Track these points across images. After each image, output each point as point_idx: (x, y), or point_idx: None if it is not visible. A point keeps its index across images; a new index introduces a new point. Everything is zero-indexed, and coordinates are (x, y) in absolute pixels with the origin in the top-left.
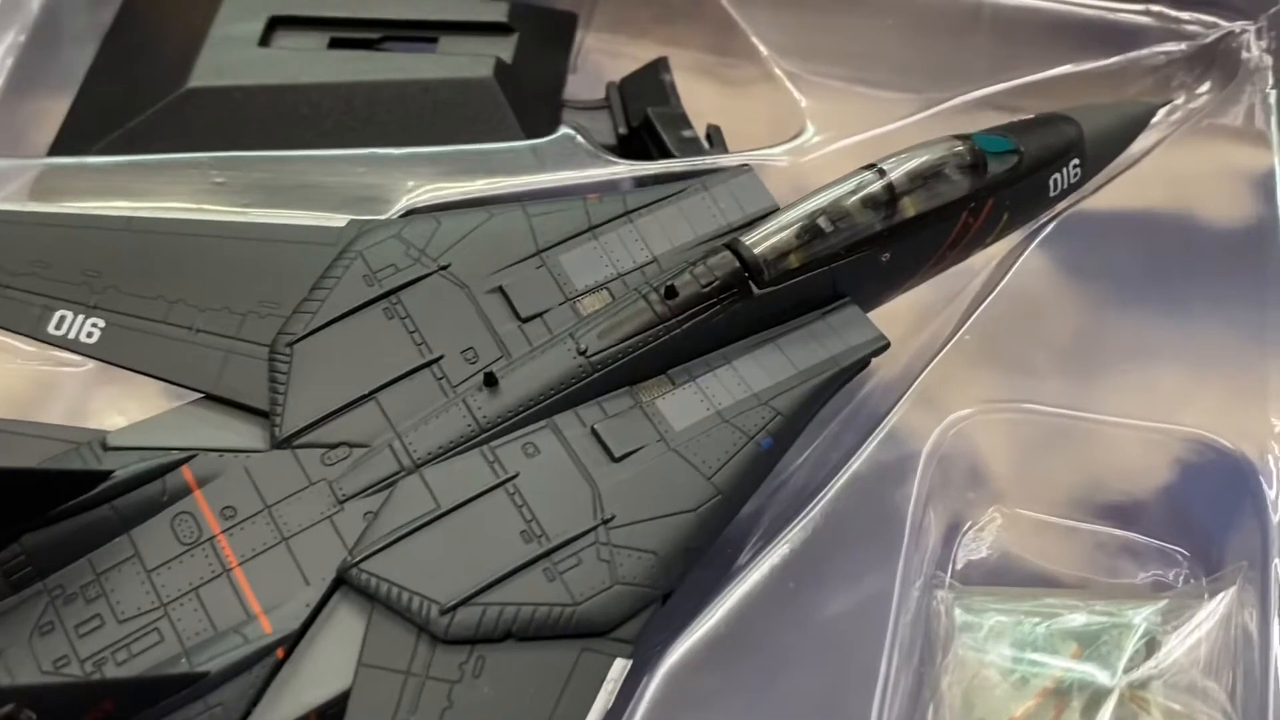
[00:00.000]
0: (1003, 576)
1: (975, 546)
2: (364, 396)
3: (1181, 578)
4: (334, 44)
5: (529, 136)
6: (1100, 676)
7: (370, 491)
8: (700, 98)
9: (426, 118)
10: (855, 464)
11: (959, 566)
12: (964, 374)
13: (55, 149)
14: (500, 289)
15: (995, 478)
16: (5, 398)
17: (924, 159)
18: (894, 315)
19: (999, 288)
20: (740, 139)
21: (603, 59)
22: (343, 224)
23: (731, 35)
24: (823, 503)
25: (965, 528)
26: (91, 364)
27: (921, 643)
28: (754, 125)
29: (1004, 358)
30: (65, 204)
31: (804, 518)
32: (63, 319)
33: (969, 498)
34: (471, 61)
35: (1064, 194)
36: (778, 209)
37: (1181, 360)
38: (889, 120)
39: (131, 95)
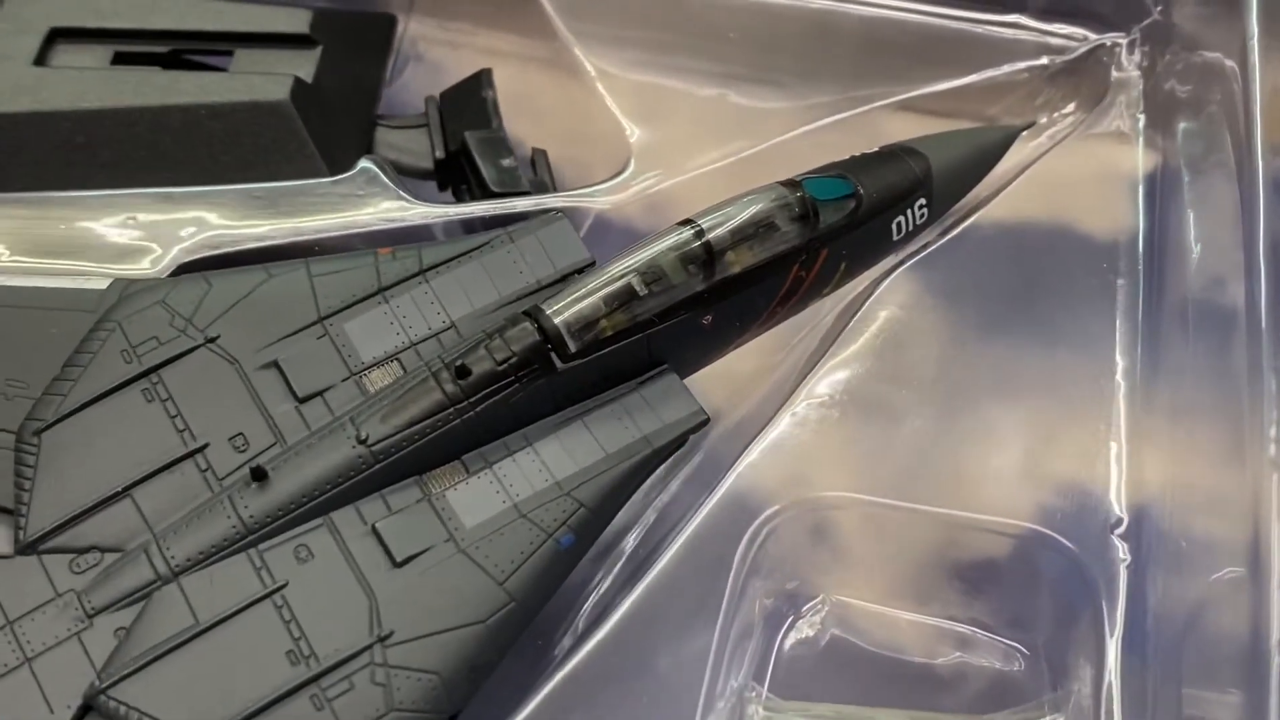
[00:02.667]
0: (829, 671)
1: (800, 641)
2: (118, 493)
3: (1020, 674)
4: (119, 59)
5: (334, 160)
6: None
7: (123, 604)
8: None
9: (217, 146)
10: (670, 551)
11: (781, 660)
12: (805, 426)
13: None
14: (275, 364)
15: (823, 565)
16: None
17: (747, 212)
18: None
19: (838, 340)
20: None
21: (439, 51)
22: (104, 285)
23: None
24: (635, 594)
25: (789, 619)
26: None
27: None
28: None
29: (861, 399)
30: None
31: (614, 612)
32: None
33: (790, 587)
34: (266, 82)
35: (909, 236)
36: (592, 263)
37: (1045, 396)
38: (729, 149)
39: None
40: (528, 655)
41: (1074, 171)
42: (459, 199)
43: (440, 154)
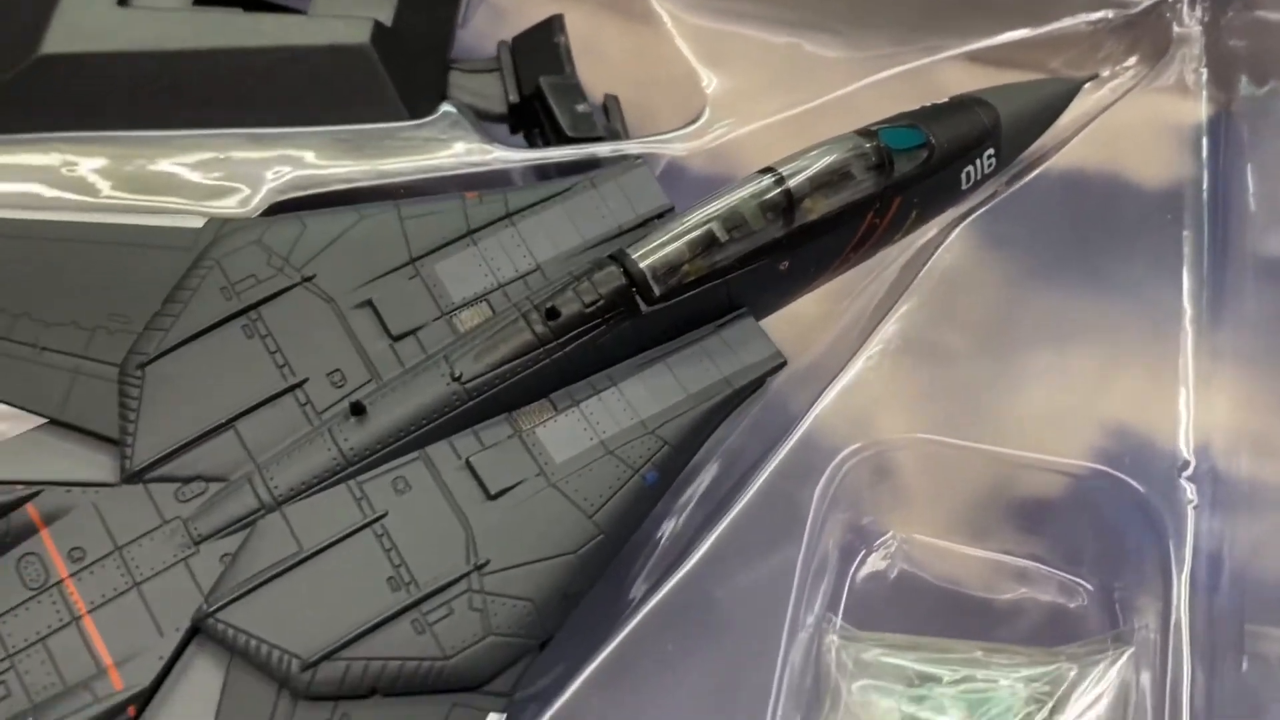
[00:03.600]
0: (900, 604)
1: (872, 572)
2: (221, 425)
3: (1083, 609)
4: (200, 0)
5: (411, 105)
6: None
7: (227, 531)
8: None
9: (297, 89)
10: (753, 488)
11: (855, 594)
12: (873, 370)
13: None
14: (370, 303)
15: (894, 501)
16: None
17: (826, 160)
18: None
19: (917, 281)
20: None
21: None
22: (200, 224)
23: None
24: (719, 529)
25: (861, 553)
26: None
27: (810, 689)
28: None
29: (917, 344)
30: None
31: (699, 546)
32: None
33: (865, 522)
34: (346, 25)
35: (977, 185)
36: (672, 209)
37: (1099, 342)
38: (796, 97)
39: None
40: (616, 590)
41: (1135, 124)
42: (531, 143)
43: (514, 98)
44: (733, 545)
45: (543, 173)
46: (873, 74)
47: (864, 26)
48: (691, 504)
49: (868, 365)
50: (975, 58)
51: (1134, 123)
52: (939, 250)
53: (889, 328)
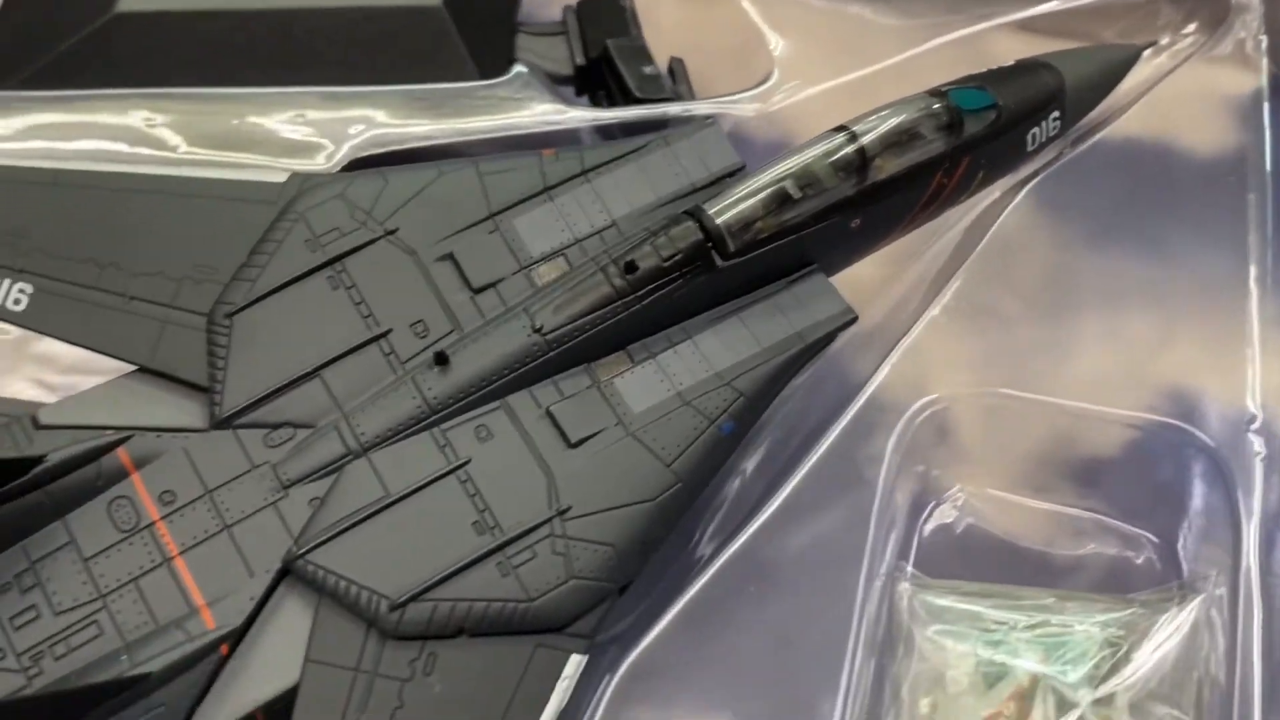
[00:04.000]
0: (967, 555)
1: (940, 526)
2: (308, 374)
3: (1149, 561)
4: None
5: (481, 66)
6: (1066, 687)
7: (316, 476)
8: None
9: (371, 49)
10: (823, 445)
11: (923, 546)
12: (935, 331)
13: None
14: (451, 256)
15: (961, 456)
16: None
17: (898, 119)
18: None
19: (982, 245)
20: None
21: None
22: (282, 178)
23: None
24: (789, 485)
25: (930, 506)
26: (16, 331)
27: (883, 636)
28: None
29: (975, 307)
30: None
31: (771, 501)
32: None
33: (933, 475)
34: None
35: (1042, 147)
36: (743, 167)
37: (1156, 304)
38: (861, 60)
39: (53, 22)
40: (692, 541)
41: (1191, 92)
42: (596, 106)
43: (580, 61)
44: (807, 498)
45: (607, 134)
46: (927, 41)
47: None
48: (760, 460)
49: (928, 327)
50: (1026, 26)
51: (1190, 90)
52: (1004, 214)
53: (949, 291)
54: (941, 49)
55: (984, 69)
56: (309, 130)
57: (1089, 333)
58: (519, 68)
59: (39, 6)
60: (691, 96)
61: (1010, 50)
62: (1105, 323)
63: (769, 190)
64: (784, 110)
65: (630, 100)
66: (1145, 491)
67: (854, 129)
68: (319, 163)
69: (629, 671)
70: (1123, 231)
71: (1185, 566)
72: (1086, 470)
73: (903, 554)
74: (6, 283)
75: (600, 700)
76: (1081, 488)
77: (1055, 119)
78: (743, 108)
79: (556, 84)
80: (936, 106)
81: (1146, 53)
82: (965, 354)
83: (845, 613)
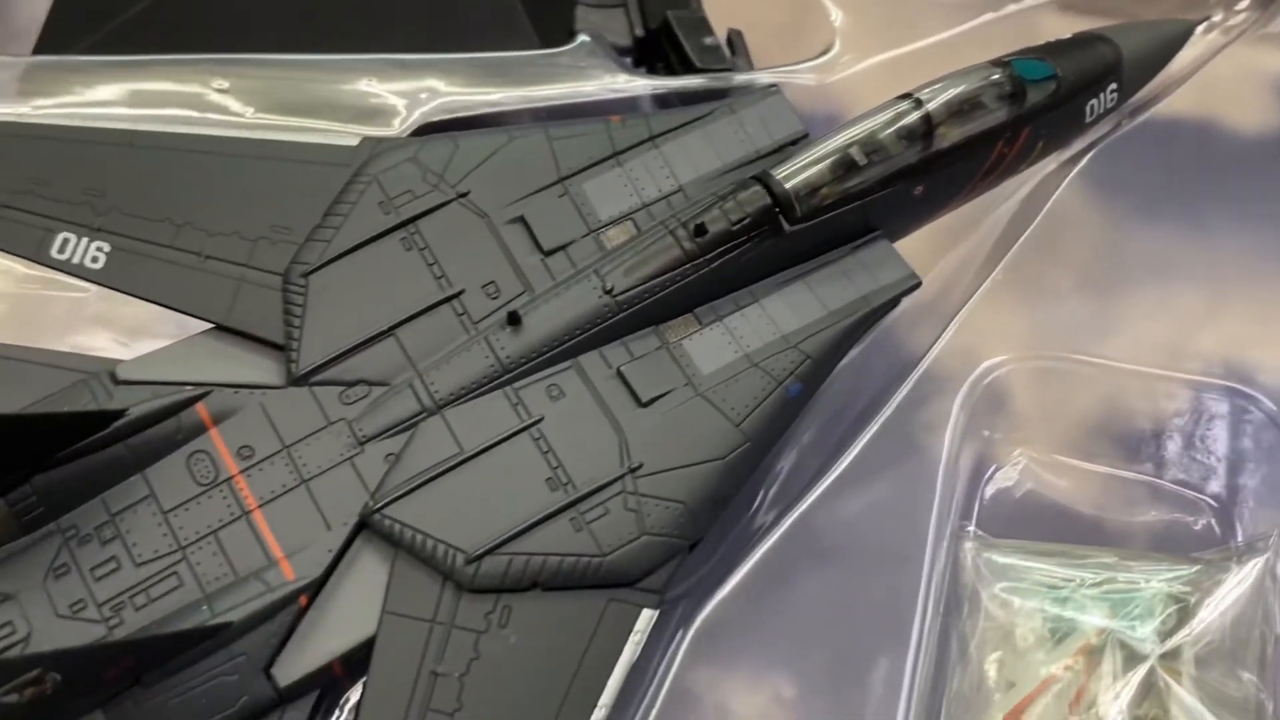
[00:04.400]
0: (1028, 518)
1: (1001, 488)
2: (383, 332)
3: (1206, 525)
4: None
5: (543, 35)
6: (1134, 642)
7: (391, 433)
8: None
9: (437, 18)
10: (887, 410)
11: (985, 509)
12: (989, 302)
13: (41, 46)
14: (522, 219)
15: (1021, 421)
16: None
17: (963, 88)
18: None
19: (1037, 220)
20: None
21: None
22: (354, 142)
23: None
24: (850, 454)
25: (991, 470)
26: (94, 289)
27: (948, 595)
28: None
29: (1027, 280)
30: (58, 111)
31: (832, 469)
32: (66, 242)
33: (994, 439)
34: None
35: (1099, 119)
36: (806, 135)
37: (1203, 278)
38: (914, 35)
39: None
40: (763, 506)
41: (1239, 70)
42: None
43: (639, 32)
44: (867, 466)
45: (665, 103)
46: (975, 18)
47: None
48: (819, 430)
49: (981, 300)
50: (1068, 6)
51: (1235, 69)
52: (1058, 191)
53: (1002, 265)
54: (988, 25)
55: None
56: (378, 97)
57: (1139, 306)
58: (583, 37)
59: None
60: (750, 68)
61: (1050, 27)
62: (1154, 296)
63: (836, 156)
64: (840, 82)
65: (690, 70)
66: (1202, 455)
67: (919, 97)
68: (389, 128)
69: (702, 626)
70: (1169, 208)
71: (1242, 528)
72: (1143, 435)
73: (965, 516)
74: (85, 241)
75: (672, 656)
76: (1139, 452)
77: (1113, 91)
78: (803, 78)
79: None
80: (1000, 76)
81: (1199, 29)
82: (1017, 326)
83: (910, 574)
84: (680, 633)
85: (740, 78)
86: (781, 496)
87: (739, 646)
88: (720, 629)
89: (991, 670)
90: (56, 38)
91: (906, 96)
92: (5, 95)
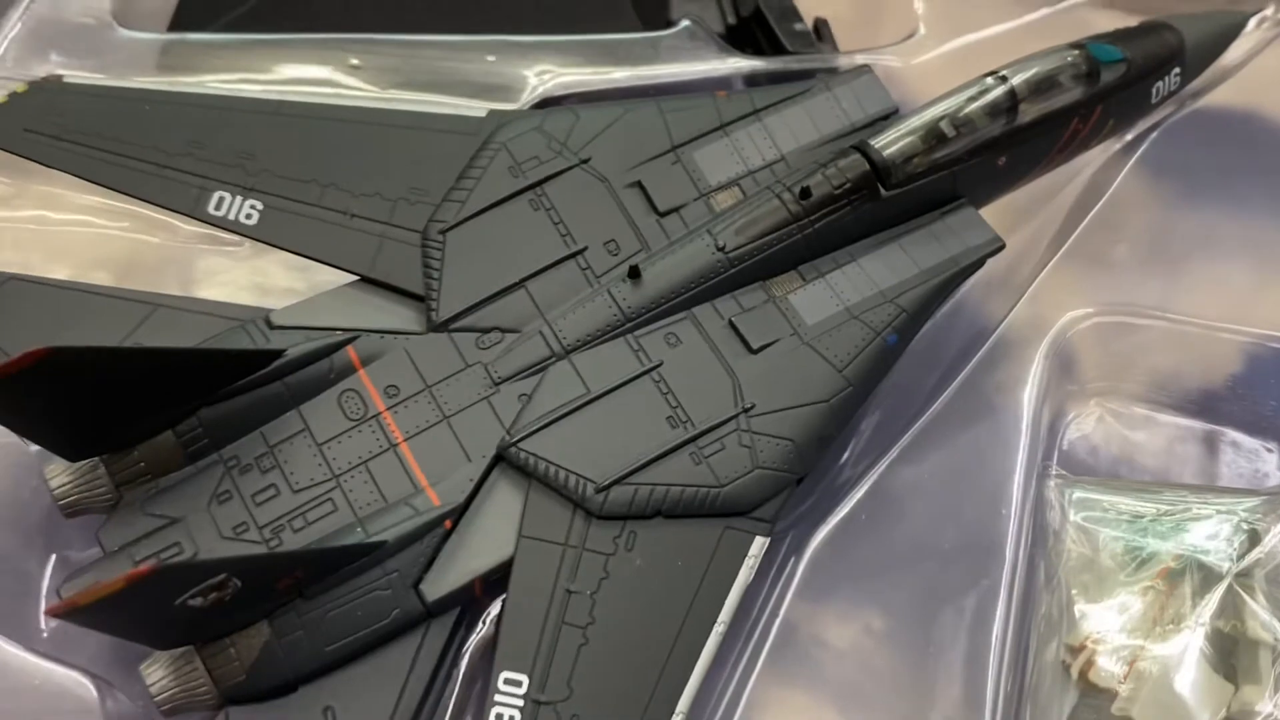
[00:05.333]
0: (1104, 462)
1: (1078, 436)
2: (514, 284)
3: (1268, 468)
4: None
5: (645, 20)
6: (1211, 562)
7: (523, 375)
8: None
9: (546, 5)
10: (965, 371)
11: (1064, 454)
12: (1057, 268)
13: (174, 25)
14: (639, 183)
15: (1092, 374)
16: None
17: (1044, 67)
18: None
19: (1108, 194)
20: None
21: None
22: (482, 114)
23: None
24: (939, 404)
25: (1069, 418)
26: (248, 243)
27: (1035, 529)
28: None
29: (1091, 252)
30: (208, 82)
31: (922, 417)
32: (221, 200)
33: (1070, 390)
34: None
35: (1163, 101)
36: (897, 111)
37: (1251, 255)
38: (991, 21)
39: None
40: (852, 457)
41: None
42: None
43: (731, 20)
44: (949, 420)
45: (750, 82)
46: (1029, 12)
47: None
48: (903, 388)
49: (1048, 273)
50: (1112, 3)
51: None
52: (1121, 175)
53: (1068, 242)
54: (1041, 20)
55: (1118, 27)
56: (499, 74)
57: (1192, 279)
58: (685, 22)
59: None
60: (836, 50)
61: (1095, 22)
62: (1206, 271)
63: (928, 128)
64: (921, 64)
65: (781, 54)
66: (1266, 406)
67: (1005, 73)
68: (513, 103)
69: (793, 566)
70: (1216, 192)
71: None
72: (1211, 388)
73: (1047, 458)
74: (239, 199)
75: (783, 589)
76: (1207, 403)
77: (1176, 75)
78: (887, 60)
79: None
80: (1076, 58)
81: (1250, 23)
82: (1083, 296)
83: (998, 512)
84: (788, 564)
85: (834, 60)
86: (871, 447)
87: (833, 583)
88: (816, 566)
89: (1077, 592)
90: (190, 17)
91: (993, 74)
92: (146, 69)
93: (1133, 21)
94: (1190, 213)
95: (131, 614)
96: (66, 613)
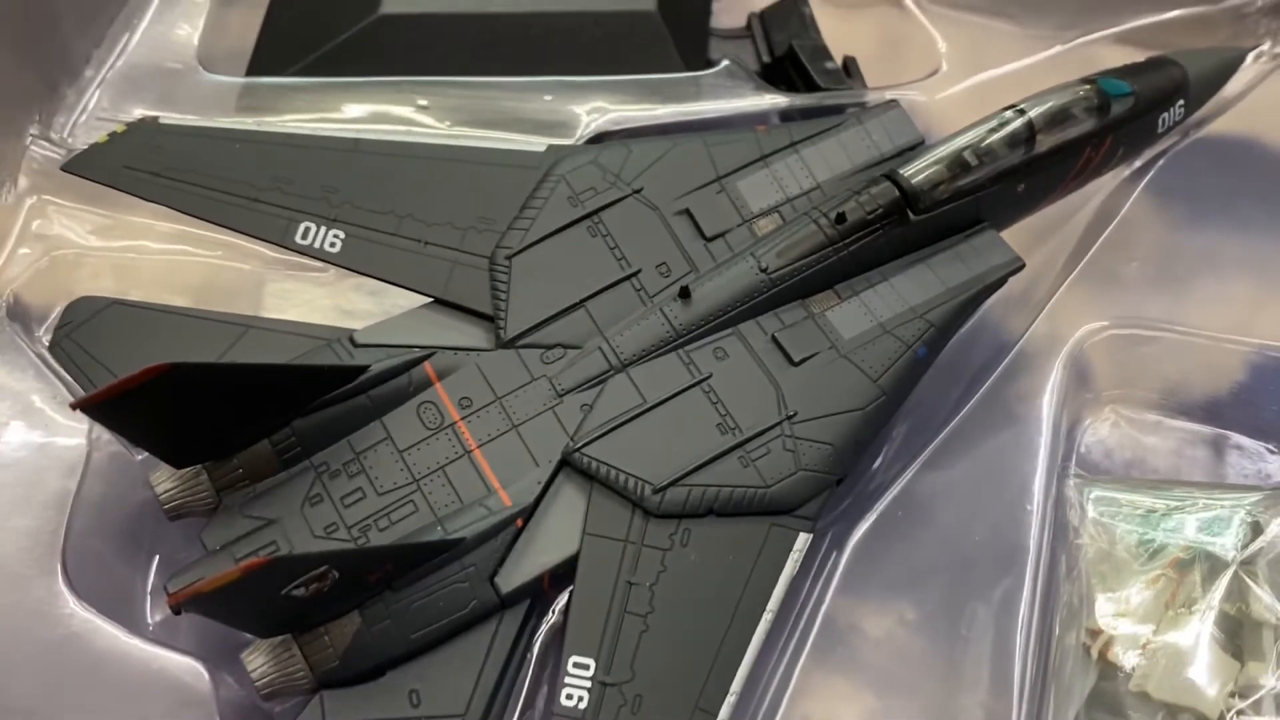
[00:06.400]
0: (1119, 464)
1: (1094, 440)
2: (575, 305)
3: (1271, 468)
4: None
5: (686, 60)
6: (1218, 552)
7: (585, 387)
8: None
9: (595, 46)
10: (989, 382)
11: (1082, 457)
12: (1072, 286)
13: (252, 68)
14: (687, 211)
15: (1107, 383)
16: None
17: (1059, 101)
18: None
19: (1119, 217)
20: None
21: None
22: (541, 149)
23: None
24: (956, 419)
25: (1085, 424)
26: (332, 270)
27: (1056, 525)
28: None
29: (1103, 271)
30: (289, 122)
31: (949, 425)
32: (307, 230)
33: (1086, 398)
34: None
35: (1169, 131)
36: (923, 142)
37: (1253, 274)
38: (1007, 58)
39: (323, 20)
40: (884, 463)
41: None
42: None
43: (766, 59)
44: (972, 428)
45: (785, 117)
46: (1044, 49)
47: (1037, 11)
48: (930, 400)
49: (1066, 290)
50: (1123, 39)
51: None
52: (1131, 200)
53: (1081, 263)
54: (1053, 57)
55: (1125, 63)
56: (555, 112)
57: (1199, 295)
58: (725, 62)
59: (305, 7)
60: (865, 87)
61: (1105, 58)
62: (1211, 287)
63: (952, 158)
64: (944, 99)
65: (814, 90)
66: (1268, 411)
67: (1023, 108)
68: (569, 138)
69: (833, 563)
70: (1220, 214)
71: None
72: (1217, 394)
73: (1067, 459)
74: (323, 229)
75: (826, 583)
76: (1214, 409)
77: (1180, 106)
78: (912, 96)
79: None
80: (1088, 92)
81: (1249, 57)
82: (1096, 311)
83: (1021, 511)
84: (829, 559)
85: (863, 96)
86: (903, 452)
87: (870, 577)
88: (855, 562)
89: (1096, 582)
90: (267, 62)
91: (1012, 108)
92: (227, 110)
93: (1140, 57)
94: (1195, 233)
95: (242, 602)
96: (189, 600)
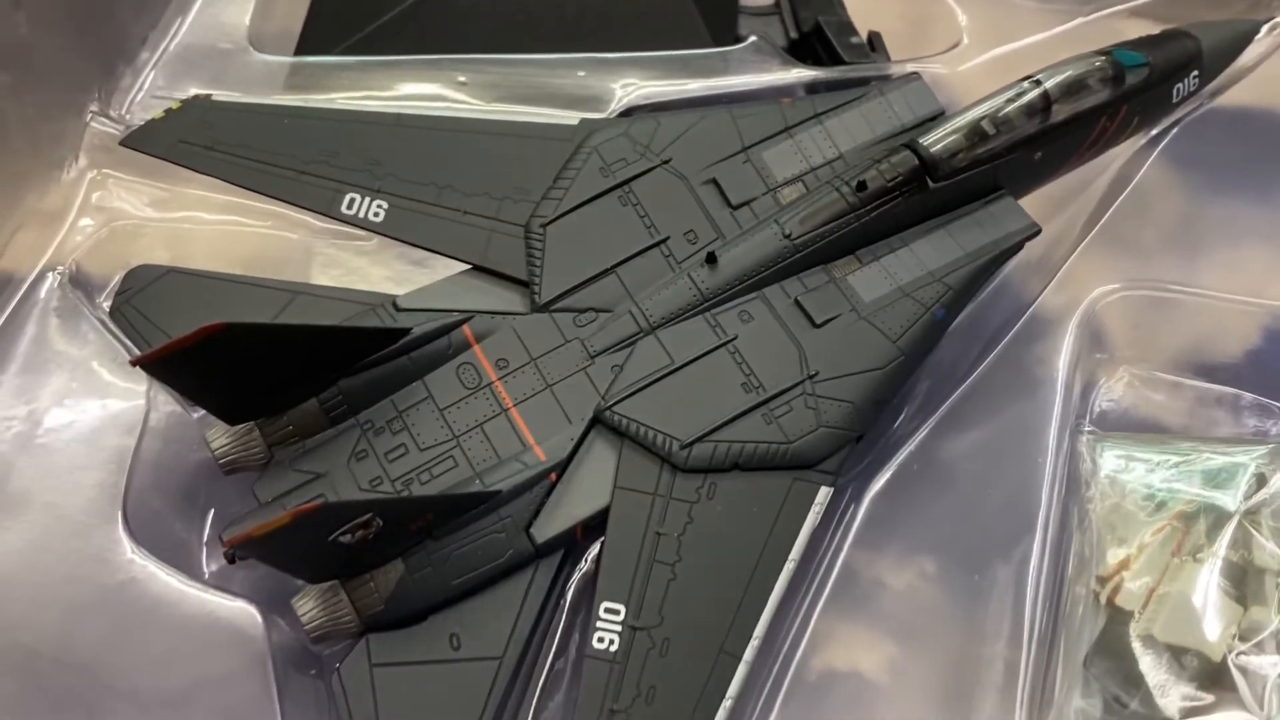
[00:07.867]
0: (1131, 423)
1: (1109, 399)
2: (606, 270)
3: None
4: None
5: (715, 36)
6: (1222, 503)
7: (615, 349)
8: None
9: (627, 23)
10: (1011, 334)
11: (1095, 417)
12: (1089, 252)
13: (300, 48)
14: (714, 180)
15: (1121, 344)
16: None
17: (1075, 71)
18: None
19: (1134, 184)
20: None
21: None
22: (574, 122)
23: None
24: (980, 373)
25: (1100, 384)
26: (376, 239)
27: (1068, 479)
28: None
29: (1120, 237)
30: (335, 99)
31: (966, 384)
32: (352, 200)
33: (1100, 359)
34: None
35: (1183, 101)
36: (944, 113)
37: (1269, 241)
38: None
39: (366, 2)
40: (903, 420)
41: None
42: None
43: (794, 35)
44: (990, 388)
45: (811, 89)
46: (1063, 23)
47: None
48: (950, 360)
49: (1079, 257)
50: (1140, 12)
51: None
52: (1145, 167)
53: (1097, 228)
54: (1073, 30)
55: (1140, 35)
56: (588, 87)
57: (1212, 259)
58: (753, 37)
59: None
60: (889, 61)
61: (1122, 30)
62: (1225, 251)
63: (970, 127)
64: (965, 71)
65: (839, 64)
66: (1276, 371)
67: (1039, 77)
68: (601, 112)
69: (854, 517)
70: (1237, 183)
71: None
72: (1229, 355)
73: (1080, 418)
74: (368, 200)
75: (844, 538)
76: (1225, 369)
77: (1194, 77)
78: (934, 68)
79: None
80: (1104, 63)
81: (1264, 29)
82: (1111, 274)
83: (1036, 467)
84: (848, 512)
85: (886, 69)
86: (921, 410)
87: (889, 529)
88: (873, 518)
89: (1105, 532)
90: (314, 42)
91: (1029, 78)
92: (276, 88)
93: (1156, 29)
94: (1209, 200)
95: (293, 548)
96: (243, 545)
